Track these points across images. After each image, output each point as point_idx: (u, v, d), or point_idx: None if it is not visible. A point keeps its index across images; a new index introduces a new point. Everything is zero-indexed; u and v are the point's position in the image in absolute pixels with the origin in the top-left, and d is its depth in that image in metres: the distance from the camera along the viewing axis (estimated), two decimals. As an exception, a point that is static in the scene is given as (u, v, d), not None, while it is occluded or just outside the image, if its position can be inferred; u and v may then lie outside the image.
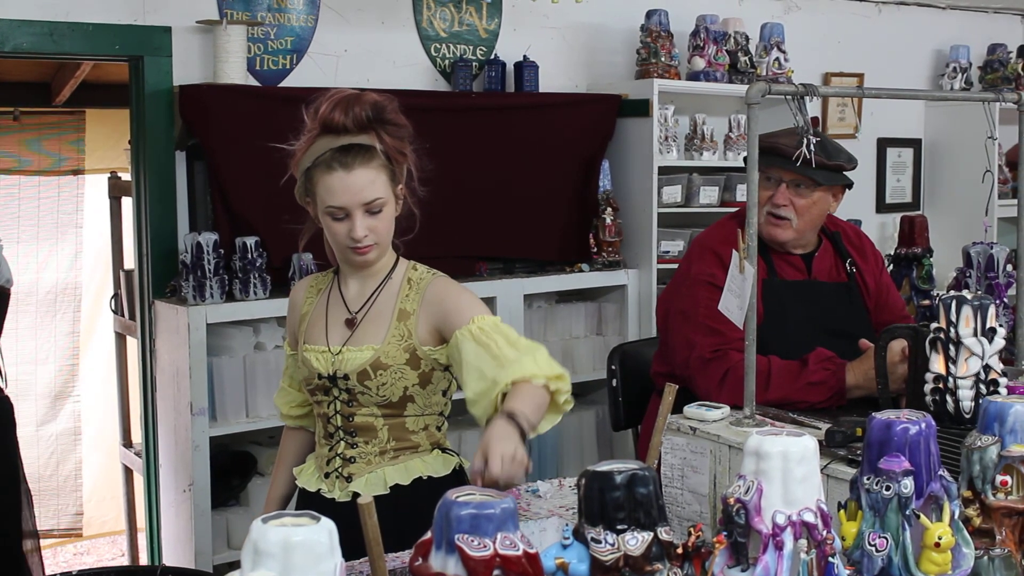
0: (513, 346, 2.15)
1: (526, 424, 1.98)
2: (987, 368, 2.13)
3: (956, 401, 2.14)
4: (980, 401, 2.09)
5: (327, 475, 2.34)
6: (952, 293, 2.21)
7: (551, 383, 2.10)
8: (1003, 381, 2.13)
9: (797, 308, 2.90)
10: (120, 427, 5.16)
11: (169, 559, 3.92)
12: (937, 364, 2.16)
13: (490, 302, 4.32)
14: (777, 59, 4.92)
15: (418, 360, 2.26)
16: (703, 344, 2.76)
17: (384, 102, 2.22)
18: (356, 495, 2.27)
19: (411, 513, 2.23)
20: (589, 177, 4.65)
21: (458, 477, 2.34)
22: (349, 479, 2.31)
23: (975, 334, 2.12)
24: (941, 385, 2.15)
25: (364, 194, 2.19)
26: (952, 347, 2.14)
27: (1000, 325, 2.17)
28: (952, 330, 2.13)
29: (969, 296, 2.14)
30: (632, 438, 3.48)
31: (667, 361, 2.97)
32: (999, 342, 2.13)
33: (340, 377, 2.27)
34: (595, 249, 4.64)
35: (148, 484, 4.03)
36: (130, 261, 4.44)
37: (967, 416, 2.13)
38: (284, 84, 4.15)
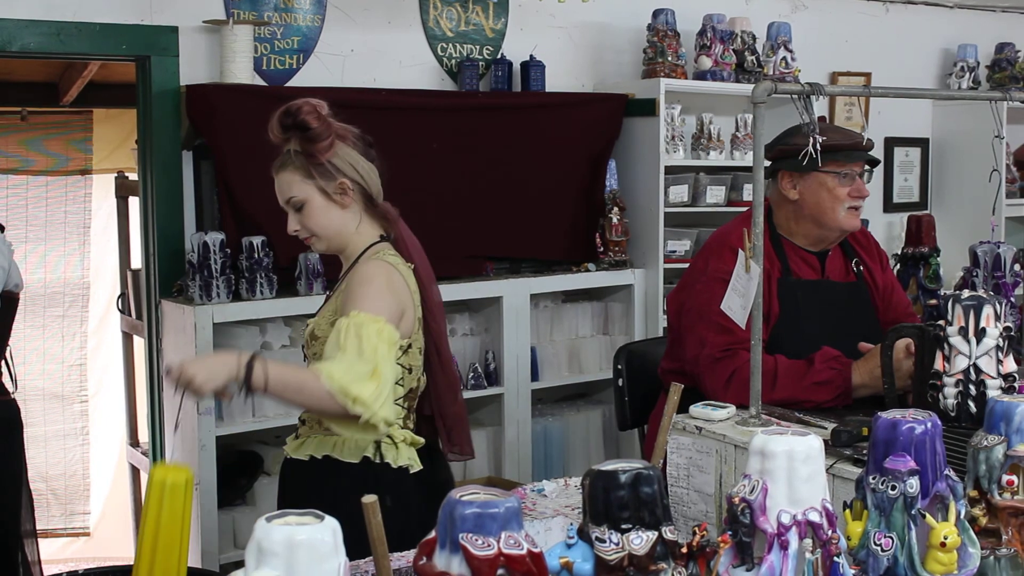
0: (351, 350, 2.19)
1: (259, 371, 2.12)
2: (977, 368, 2.12)
3: (944, 399, 2.13)
4: (970, 400, 2.10)
5: (296, 433, 2.55)
6: (950, 292, 2.21)
7: (339, 396, 2.14)
8: (992, 384, 2.11)
9: (812, 307, 2.88)
10: (127, 426, 5.18)
11: (176, 558, 3.92)
12: (938, 362, 2.16)
13: (496, 301, 4.32)
14: (784, 58, 4.92)
15: None
16: (714, 342, 2.74)
17: (297, 107, 2.38)
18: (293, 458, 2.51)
19: (315, 487, 2.42)
20: (596, 176, 4.65)
21: (363, 468, 2.40)
22: (297, 439, 2.55)
23: (962, 333, 2.11)
24: (937, 382, 2.15)
25: (283, 194, 2.45)
26: (946, 346, 2.14)
27: (1006, 324, 2.15)
28: (947, 328, 2.13)
29: (964, 295, 2.13)
30: (638, 437, 3.48)
31: (677, 357, 2.95)
32: (988, 342, 2.11)
33: (302, 345, 2.57)
34: (601, 249, 4.63)
35: (155, 483, 4.03)
36: (137, 261, 4.45)
37: (952, 415, 2.12)
38: (291, 84, 4.15)
